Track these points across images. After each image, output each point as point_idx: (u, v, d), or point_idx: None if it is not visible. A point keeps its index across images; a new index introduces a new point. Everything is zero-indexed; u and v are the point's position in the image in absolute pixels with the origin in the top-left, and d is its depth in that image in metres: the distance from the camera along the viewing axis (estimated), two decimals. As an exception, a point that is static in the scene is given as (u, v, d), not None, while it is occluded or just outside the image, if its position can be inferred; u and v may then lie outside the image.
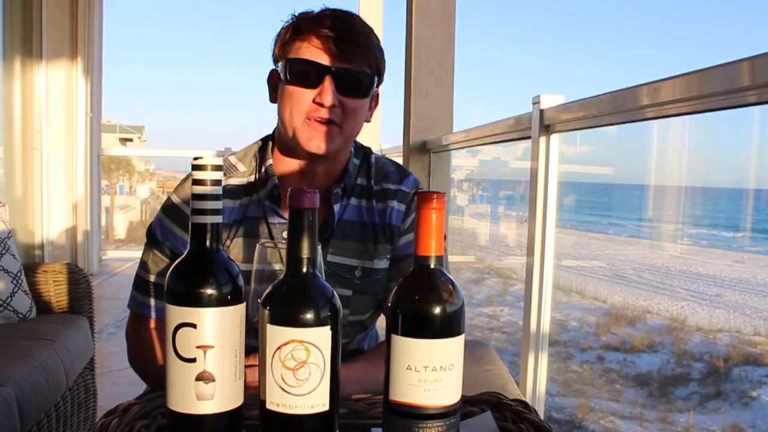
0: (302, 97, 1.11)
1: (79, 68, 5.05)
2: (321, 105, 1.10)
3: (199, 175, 0.76)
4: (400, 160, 3.46)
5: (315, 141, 1.12)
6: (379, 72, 1.16)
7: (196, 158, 0.76)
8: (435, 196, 0.75)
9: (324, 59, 1.10)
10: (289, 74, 1.12)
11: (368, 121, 1.21)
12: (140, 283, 1.20)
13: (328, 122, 1.11)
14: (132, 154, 28.47)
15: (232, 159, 1.24)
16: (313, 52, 1.10)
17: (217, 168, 0.77)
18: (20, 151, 4.71)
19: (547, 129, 1.99)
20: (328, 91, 1.09)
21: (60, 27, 4.90)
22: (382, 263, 1.23)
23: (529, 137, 2.06)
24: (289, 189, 0.74)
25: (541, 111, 1.99)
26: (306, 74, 1.10)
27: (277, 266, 0.92)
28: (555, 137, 2.00)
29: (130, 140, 43.30)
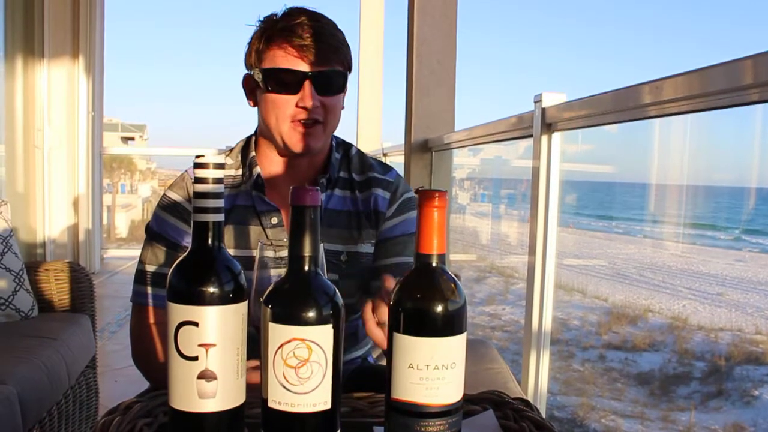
0: (285, 103, 1.18)
1: (81, 67, 5.05)
2: (304, 108, 1.18)
3: (201, 173, 0.76)
4: (401, 159, 3.46)
5: (303, 142, 1.20)
6: (349, 66, 1.24)
7: (197, 156, 0.76)
8: (437, 195, 0.75)
9: (301, 66, 1.17)
10: (268, 83, 1.19)
11: (342, 108, 1.29)
12: (140, 275, 1.25)
13: (313, 122, 1.19)
14: (133, 152, 28.50)
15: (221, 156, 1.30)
16: (290, 60, 1.17)
17: (219, 166, 0.77)
18: (22, 149, 4.72)
19: (548, 127, 1.99)
20: (309, 95, 1.17)
21: (62, 25, 4.90)
22: (367, 248, 1.28)
23: (531, 136, 2.06)
24: (291, 187, 0.74)
25: (543, 109, 1.99)
26: (286, 82, 1.18)
27: (271, 253, 0.93)
28: (557, 136, 1.99)
29: (132, 139, 43.34)
